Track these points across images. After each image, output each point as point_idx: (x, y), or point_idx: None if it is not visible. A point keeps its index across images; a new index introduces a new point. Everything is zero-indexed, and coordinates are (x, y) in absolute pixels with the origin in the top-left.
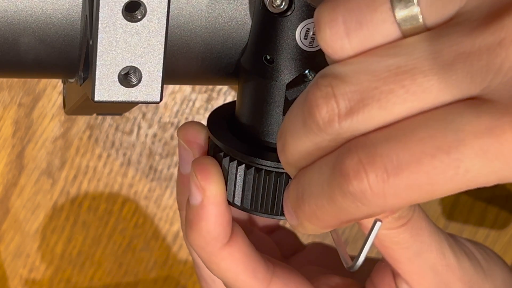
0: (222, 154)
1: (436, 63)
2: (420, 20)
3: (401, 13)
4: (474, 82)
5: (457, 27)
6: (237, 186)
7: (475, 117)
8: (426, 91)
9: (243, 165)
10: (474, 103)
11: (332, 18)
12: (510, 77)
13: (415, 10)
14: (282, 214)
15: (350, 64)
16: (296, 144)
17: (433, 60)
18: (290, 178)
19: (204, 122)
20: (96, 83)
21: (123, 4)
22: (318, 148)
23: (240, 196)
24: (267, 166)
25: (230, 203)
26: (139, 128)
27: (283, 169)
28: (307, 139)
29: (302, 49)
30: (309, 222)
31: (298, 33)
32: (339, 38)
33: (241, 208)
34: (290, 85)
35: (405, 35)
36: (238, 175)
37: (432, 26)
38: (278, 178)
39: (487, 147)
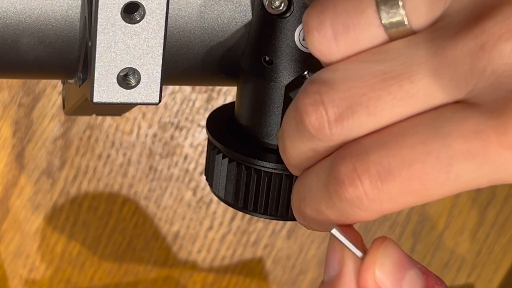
0: (221, 155)
1: (421, 68)
2: (406, 23)
3: (387, 16)
4: (459, 87)
5: (441, 31)
6: (236, 187)
7: (462, 122)
8: (414, 97)
9: (242, 167)
10: (460, 107)
11: (320, 21)
12: (493, 81)
13: (400, 13)
14: (281, 216)
15: (338, 70)
16: (294, 148)
17: (419, 65)
18: (289, 180)
19: (204, 122)
20: (95, 84)
21: (122, 6)
22: (315, 152)
23: (239, 197)
24: (266, 167)
25: (230, 204)
26: (139, 128)
27: (282, 170)
28: (303, 144)
29: (301, 51)
30: (313, 223)
31: (297, 34)
32: (327, 41)
33: (240, 209)
34: (289, 86)
35: (392, 38)
36: (237, 177)
37: (417, 29)
38: (277, 180)
39: (475, 151)
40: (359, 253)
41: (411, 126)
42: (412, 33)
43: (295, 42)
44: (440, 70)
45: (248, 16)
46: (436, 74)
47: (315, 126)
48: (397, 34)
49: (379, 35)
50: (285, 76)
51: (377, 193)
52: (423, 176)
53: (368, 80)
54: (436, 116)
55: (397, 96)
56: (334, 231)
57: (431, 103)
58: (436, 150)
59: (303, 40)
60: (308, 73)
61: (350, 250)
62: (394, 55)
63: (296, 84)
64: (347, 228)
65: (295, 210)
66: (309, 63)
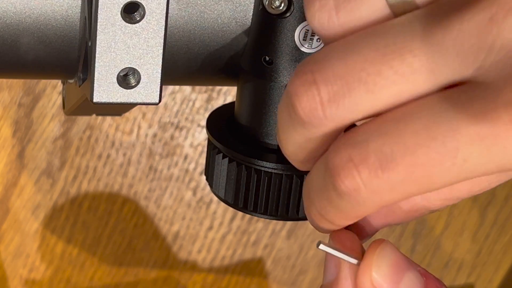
0: (221, 155)
1: (426, 43)
2: None
3: None
4: (465, 63)
5: (447, 4)
6: (236, 187)
7: (469, 103)
8: (416, 72)
9: (242, 167)
10: (467, 87)
11: None
12: (503, 55)
13: None
14: (281, 216)
15: (334, 47)
16: (288, 140)
17: (423, 39)
18: (289, 179)
19: (204, 122)
20: (95, 84)
21: (122, 6)
22: (310, 142)
23: (239, 197)
24: (266, 167)
25: (230, 204)
26: (139, 128)
27: (282, 170)
28: (297, 134)
29: (301, 51)
30: (319, 223)
31: (297, 34)
32: (327, 10)
33: (240, 209)
34: None
35: (394, 11)
36: (237, 177)
37: (421, 2)
38: (277, 180)
39: (484, 133)
40: (353, 261)
41: (413, 111)
42: (415, 7)
43: (295, 42)
44: (445, 44)
45: (248, 16)
46: (440, 48)
47: (305, 109)
48: (399, 6)
49: (381, 7)
50: (285, 76)
51: (377, 182)
52: (427, 162)
53: (367, 54)
54: (441, 98)
55: (399, 71)
56: (322, 246)
57: (435, 80)
58: (442, 134)
59: (303, 40)
60: None
61: (343, 259)
62: (397, 29)
63: None
64: (341, 233)
65: (305, 212)
66: None
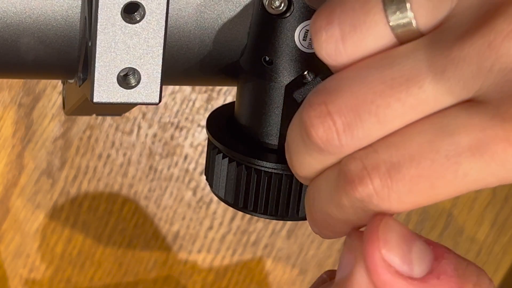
0: (221, 155)
1: (430, 72)
2: (412, 22)
3: (393, 14)
4: (466, 88)
5: (448, 32)
6: (236, 187)
7: (469, 120)
8: (423, 103)
9: (242, 167)
10: (467, 105)
11: (329, 21)
12: (501, 78)
13: (406, 11)
14: (281, 216)
15: (343, 78)
16: (302, 162)
17: (427, 68)
18: (289, 179)
19: (204, 122)
20: (95, 84)
21: (122, 6)
22: (324, 165)
23: (239, 197)
24: (266, 167)
25: (230, 204)
26: (139, 128)
27: (282, 170)
28: (311, 158)
29: (301, 50)
30: (323, 229)
31: (297, 34)
32: (334, 41)
33: (240, 209)
34: (289, 86)
35: (399, 38)
36: (237, 177)
37: (424, 29)
38: (277, 180)
39: (483, 148)
40: None
41: (418, 126)
42: (419, 34)
43: (295, 42)
44: (447, 73)
45: (248, 16)
46: (443, 77)
47: (323, 138)
48: (404, 34)
49: (386, 35)
50: (285, 76)
51: (387, 191)
52: (431, 175)
53: (376, 86)
54: (443, 115)
55: (407, 103)
56: None
57: (440, 106)
58: (444, 148)
59: (303, 40)
60: (308, 73)
61: None
62: (402, 59)
63: (296, 84)
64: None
65: (307, 216)
66: (309, 63)
